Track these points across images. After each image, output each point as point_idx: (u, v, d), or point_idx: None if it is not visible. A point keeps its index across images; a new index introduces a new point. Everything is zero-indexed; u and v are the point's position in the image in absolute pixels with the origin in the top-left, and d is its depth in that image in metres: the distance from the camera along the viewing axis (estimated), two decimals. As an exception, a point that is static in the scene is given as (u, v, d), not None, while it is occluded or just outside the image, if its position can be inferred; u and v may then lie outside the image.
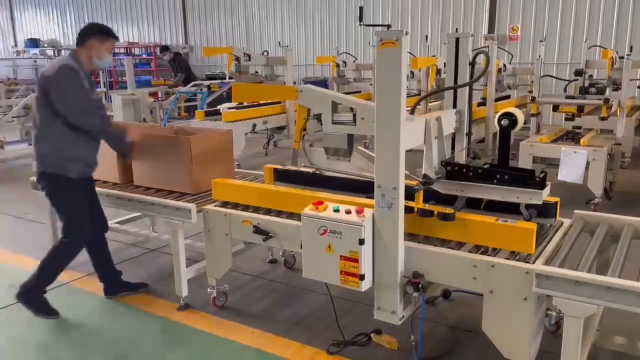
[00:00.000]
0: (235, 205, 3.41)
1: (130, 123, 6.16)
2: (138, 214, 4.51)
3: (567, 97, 6.11)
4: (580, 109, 6.03)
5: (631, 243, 2.69)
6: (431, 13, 12.98)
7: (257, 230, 3.13)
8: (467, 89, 3.09)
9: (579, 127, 6.15)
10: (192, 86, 10.57)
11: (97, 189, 3.91)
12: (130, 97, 10.00)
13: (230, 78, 8.85)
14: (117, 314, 3.61)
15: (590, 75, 7.55)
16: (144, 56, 18.92)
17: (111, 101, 10.48)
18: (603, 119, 5.91)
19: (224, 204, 3.45)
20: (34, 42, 20.99)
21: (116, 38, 3.61)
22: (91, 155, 3.57)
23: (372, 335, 3.15)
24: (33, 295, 3.50)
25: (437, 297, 3.61)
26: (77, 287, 4.02)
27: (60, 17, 21.01)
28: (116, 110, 9.94)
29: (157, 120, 10.15)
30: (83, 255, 4.53)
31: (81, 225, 3.54)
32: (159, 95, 11.40)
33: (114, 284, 3.86)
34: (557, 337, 2.74)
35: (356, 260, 2.59)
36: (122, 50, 18.97)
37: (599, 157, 5.19)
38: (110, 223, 4.74)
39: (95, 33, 3.50)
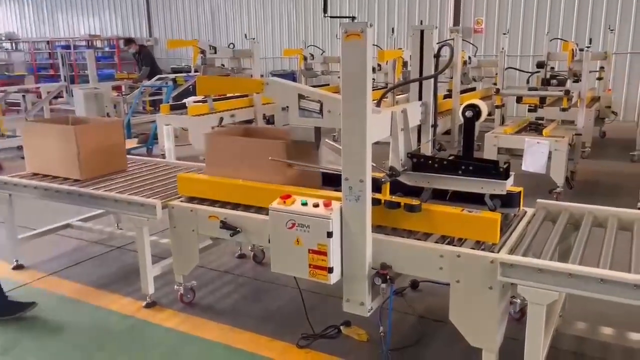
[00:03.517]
0: (202, 201, 3.36)
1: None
2: (101, 210, 4.41)
3: (530, 89, 6.24)
4: (543, 100, 6.17)
5: (591, 230, 2.76)
6: (397, 5, 13.06)
7: (225, 225, 3.09)
8: (432, 81, 3.11)
9: (542, 118, 6.30)
10: (157, 79, 10.38)
11: (58, 186, 3.80)
12: (92, 91, 9.75)
13: (196, 71, 8.72)
14: (82, 314, 3.52)
15: (552, 68, 7.74)
16: (107, 49, 18.47)
17: (72, 95, 10.21)
18: (564, 110, 6.06)
19: (190, 200, 3.40)
20: (-10, 35, 20.24)
21: None
22: None
23: (341, 327, 3.16)
24: None
25: (406, 288, 3.64)
26: (38, 287, 3.90)
27: (19, 10, 20.32)
28: (78, 104, 9.69)
29: (121, 114, 9.94)
30: (44, 254, 4.42)
31: None
32: (123, 89, 11.16)
33: (3, 307, 3.47)
34: (521, 324, 2.79)
35: (324, 254, 2.59)
36: (84, 43, 18.47)
37: (561, 148, 5.32)
38: (73, 220, 4.66)
39: None
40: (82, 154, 3.91)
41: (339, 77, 2.51)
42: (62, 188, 3.77)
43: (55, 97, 11.94)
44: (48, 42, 19.43)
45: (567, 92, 5.82)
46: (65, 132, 3.93)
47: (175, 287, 3.54)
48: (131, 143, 8.18)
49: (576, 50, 6.71)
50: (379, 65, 9.21)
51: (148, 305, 3.55)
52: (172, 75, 10.89)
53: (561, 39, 9.18)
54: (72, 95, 10.28)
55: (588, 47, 6.38)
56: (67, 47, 18.08)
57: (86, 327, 3.35)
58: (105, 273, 4.10)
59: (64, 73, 14.18)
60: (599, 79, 8.89)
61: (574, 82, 6.47)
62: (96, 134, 4.06)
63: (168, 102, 8.69)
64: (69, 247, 4.66)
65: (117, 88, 11.14)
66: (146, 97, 11.19)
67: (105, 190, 3.70)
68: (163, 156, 5.81)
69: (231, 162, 3.28)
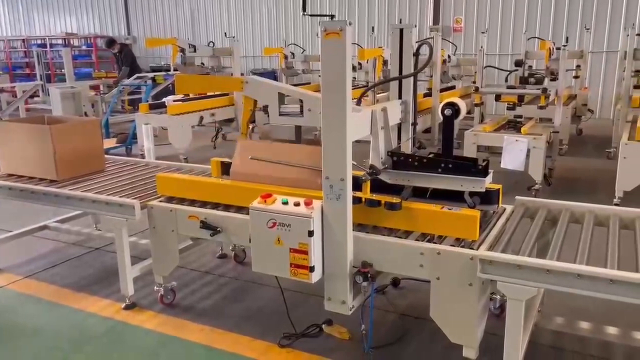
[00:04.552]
0: (182, 200, 3.32)
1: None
2: (79, 211, 4.34)
3: (509, 87, 6.31)
4: (521, 98, 6.24)
5: (568, 227, 2.80)
6: (377, 4, 13.09)
7: (205, 225, 3.07)
8: (412, 79, 3.12)
9: (520, 116, 6.37)
10: (136, 78, 10.25)
11: (33, 187, 3.73)
12: (69, 90, 9.61)
13: (175, 70, 8.65)
14: (59, 316, 3.46)
15: (530, 66, 7.83)
16: (84, 48, 18.19)
17: (49, 94, 10.05)
18: (542, 108, 6.16)
19: (170, 199, 3.36)
20: (-38, 33, 19.79)
21: None
22: None
23: (323, 326, 3.16)
24: None
25: (387, 286, 3.65)
26: (15, 290, 3.83)
27: (-8, 6, 19.90)
28: (54, 104, 9.53)
29: (99, 114, 9.81)
30: (21, 257, 4.34)
31: None
32: (101, 88, 11.01)
33: None
34: (501, 319, 2.82)
35: (306, 253, 2.58)
36: (60, 42, 18.17)
37: (539, 145, 5.39)
38: (50, 222, 4.58)
39: None
40: (59, 154, 3.84)
41: (319, 76, 2.49)
42: (38, 189, 3.70)
43: (31, 97, 11.74)
44: (23, 41, 19.06)
45: (545, 91, 5.90)
46: (41, 132, 3.85)
47: (155, 288, 3.50)
48: (110, 142, 8.07)
49: (553, 49, 6.82)
50: (359, 63, 9.24)
51: (127, 307, 3.51)
52: (151, 74, 10.78)
53: (539, 38, 9.33)
54: (49, 95, 10.10)
55: (565, 45, 6.48)
56: (43, 45, 17.76)
57: (64, 330, 3.29)
58: (83, 275, 4.04)
59: (40, 72, 13.91)
60: (576, 77, 9.03)
61: (551, 80, 6.56)
62: (73, 134, 3.99)
63: (147, 101, 8.60)
64: (46, 249, 4.58)
65: (94, 87, 10.98)
66: (125, 96, 11.06)
67: (83, 191, 3.63)
68: (142, 156, 5.75)
69: (264, 167, 3.08)
